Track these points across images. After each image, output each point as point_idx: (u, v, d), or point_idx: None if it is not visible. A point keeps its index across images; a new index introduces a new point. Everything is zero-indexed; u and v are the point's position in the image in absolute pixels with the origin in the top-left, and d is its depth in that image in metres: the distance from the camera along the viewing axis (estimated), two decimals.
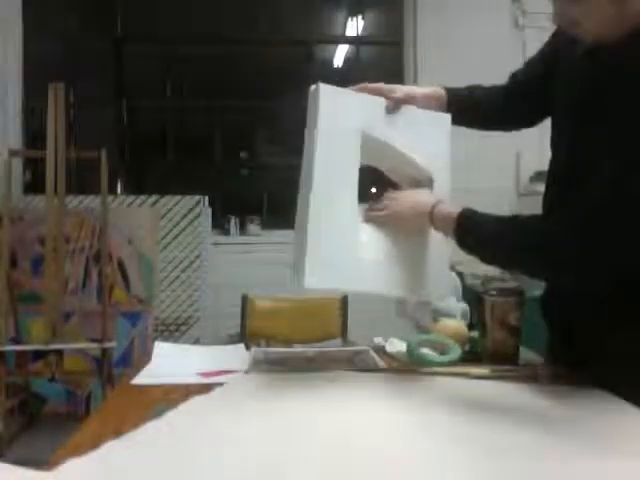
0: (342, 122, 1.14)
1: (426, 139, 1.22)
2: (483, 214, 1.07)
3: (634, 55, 0.95)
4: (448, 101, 1.27)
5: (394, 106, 1.21)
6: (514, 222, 1.04)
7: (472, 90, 1.31)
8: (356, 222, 1.15)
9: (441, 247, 1.19)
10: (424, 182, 1.23)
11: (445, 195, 1.21)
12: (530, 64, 1.27)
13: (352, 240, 1.12)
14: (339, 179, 1.13)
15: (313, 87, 1.14)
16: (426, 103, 1.25)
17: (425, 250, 1.19)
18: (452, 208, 1.11)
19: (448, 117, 1.26)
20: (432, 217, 1.12)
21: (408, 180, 1.26)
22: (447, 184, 1.24)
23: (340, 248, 1.10)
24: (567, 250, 0.96)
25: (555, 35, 1.20)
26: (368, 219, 1.19)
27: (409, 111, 1.22)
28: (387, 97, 1.21)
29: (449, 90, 1.29)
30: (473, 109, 1.30)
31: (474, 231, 1.07)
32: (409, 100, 1.23)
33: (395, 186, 1.29)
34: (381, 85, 1.22)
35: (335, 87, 1.15)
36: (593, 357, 1.08)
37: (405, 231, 1.18)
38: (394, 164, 1.26)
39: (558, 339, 1.22)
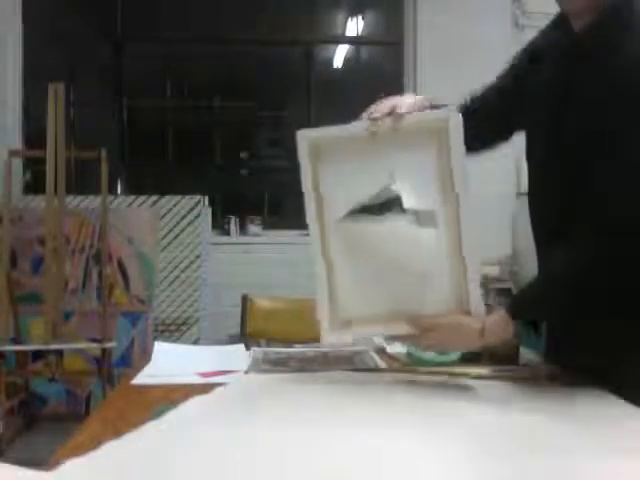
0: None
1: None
2: (522, 292, 1.11)
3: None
4: None
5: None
6: (546, 277, 1.09)
7: None
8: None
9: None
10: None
11: None
12: (488, 92, 1.30)
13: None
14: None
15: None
16: None
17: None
18: (497, 315, 1.06)
19: None
20: (484, 333, 1.06)
21: None
22: None
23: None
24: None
25: (514, 66, 1.27)
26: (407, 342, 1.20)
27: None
28: None
29: None
30: None
31: (531, 311, 1.09)
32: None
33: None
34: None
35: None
36: (592, 357, 1.08)
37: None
38: None
39: (558, 339, 1.22)
